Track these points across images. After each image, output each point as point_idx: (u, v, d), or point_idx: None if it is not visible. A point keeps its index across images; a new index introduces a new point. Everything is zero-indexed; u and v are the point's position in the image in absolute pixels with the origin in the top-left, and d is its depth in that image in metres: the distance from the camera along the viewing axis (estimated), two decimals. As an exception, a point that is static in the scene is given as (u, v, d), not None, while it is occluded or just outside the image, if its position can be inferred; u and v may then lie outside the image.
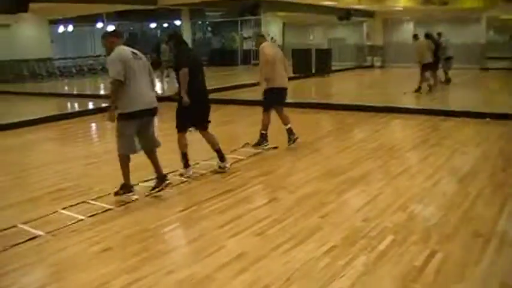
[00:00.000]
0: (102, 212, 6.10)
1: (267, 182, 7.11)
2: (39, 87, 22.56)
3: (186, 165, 7.45)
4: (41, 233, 5.57)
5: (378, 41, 30.44)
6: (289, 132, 9.08)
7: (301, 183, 6.89)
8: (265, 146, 8.99)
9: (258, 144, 9.01)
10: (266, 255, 4.71)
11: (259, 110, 9.10)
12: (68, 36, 32.80)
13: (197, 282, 4.27)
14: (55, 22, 29.34)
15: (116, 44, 6.29)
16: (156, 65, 21.11)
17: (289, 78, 9.47)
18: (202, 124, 7.54)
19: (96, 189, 7.03)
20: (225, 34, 33.98)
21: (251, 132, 9.47)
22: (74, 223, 5.81)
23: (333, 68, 24.27)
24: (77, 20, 30.29)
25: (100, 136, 12.84)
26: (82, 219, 5.90)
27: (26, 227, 5.73)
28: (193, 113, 7.32)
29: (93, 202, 6.49)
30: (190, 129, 7.52)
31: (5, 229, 5.72)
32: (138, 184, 6.87)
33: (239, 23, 32.19)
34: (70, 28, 31.96)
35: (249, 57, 31.09)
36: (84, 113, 15.15)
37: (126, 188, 6.49)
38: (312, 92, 19.72)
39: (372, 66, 29.44)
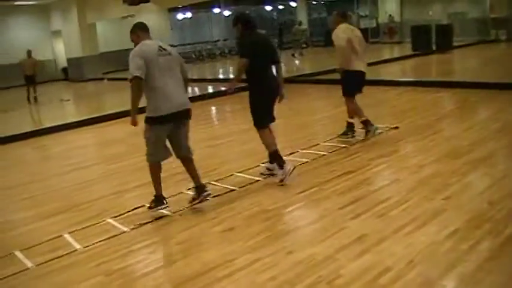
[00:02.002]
0: (225, 193, 6.31)
1: (387, 163, 6.99)
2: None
3: (281, 164, 6.54)
4: (168, 212, 5.86)
5: (503, 13, 28.73)
6: (350, 126, 8.51)
7: (423, 164, 6.72)
8: (351, 135, 8.43)
9: (344, 133, 8.49)
10: (387, 237, 4.66)
11: (377, 89, 8.95)
12: (186, 22, 33.76)
13: (317, 263, 4.31)
14: (174, 10, 30.31)
15: (142, 38, 5.69)
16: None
17: (410, 56, 9.21)
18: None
19: (219, 170, 7.27)
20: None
21: (370, 113, 9.32)
22: (198, 203, 6.04)
23: (454, 44, 23.30)
24: (194, 7, 31.11)
25: (221, 119, 13.21)
26: (206, 200, 6.12)
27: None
28: (268, 105, 6.65)
29: (216, 183, 6.71)
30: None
31: (135, 208, 6.09)
32: (258, 166, 7.00)
33: (355, 2, 31.68)
34: (188, 15, 32.85)
35: (367, 36, 30.53)
36: (205, 96, 15.60)
37: (158, 200, 5.89)
38: (432, 69, 19.07)
39: (496, 41, 27.89)
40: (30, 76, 18.17)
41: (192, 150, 6.01)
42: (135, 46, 5.64)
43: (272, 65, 6.66)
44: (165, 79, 5.57)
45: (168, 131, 5.72)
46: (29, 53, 18.12)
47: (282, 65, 7.17)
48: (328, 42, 28.18)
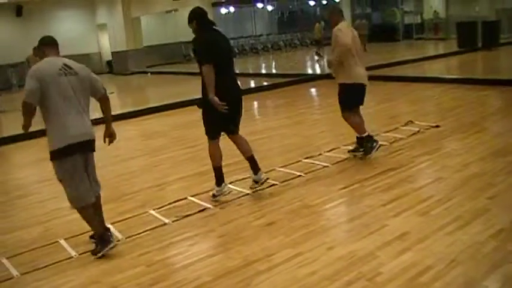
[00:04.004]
0: (266, 187, 6.33)
1: (430, 161, 6.90)
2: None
3: (219, 182, 6.07)
4: (209, 205, 5.93)
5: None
6: (367, 137, 7.15)
7: (467, 162, 6.62)
8: (360, 152, 7.23)
9: (353, 150, 7.35)
10: (429, 235, 4.61)
11: (421, 86, 8.80)
12: (229, 17, 33.88)
13: (358, 259, 4.30)
14: (217, 4, 30.45)
15: (48, 55, 4.90)
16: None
17: (455, 53, 9.00)
18: (233, 128, 6.11)
19: (261, 164, 7.27)
20: (385, 9, 33.18)
21: (412, 111, 9.24)
22: (239, 197, 6.10)
23: (502, 41, 22.80)
24: (237, 1, 31.20)
25: (263, 114, 13.24)
26: (247, 194, 6.17)
27: (195, 199, 6.15)
28: (230, 115, 5.84)
29: (257, 178, 6.74)
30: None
31: (176, 200, 6.18)
32: (299, 161, 6.99)
33: (400, -3, 31.24)
34: (231, 9, 32.96)
35: (411, 32, 30.14)
36: (248, 91, 15.65)
37: (103, 240, 4.91)
38: (477, 67, 18.72)
39: (546, 38, 27.15)
40: None
41: (100, 187, 5.19)
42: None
43: (233, 66, 6.11)
44: (65, 104, 4.72)
45: (80, 162, 4.87)
46: (34, 50, 17.78)
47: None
48: (372, 38, 28.02)
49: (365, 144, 7.07)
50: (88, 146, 4.92)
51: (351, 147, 7.40)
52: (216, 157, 6.03)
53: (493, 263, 4.03)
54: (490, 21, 23.57)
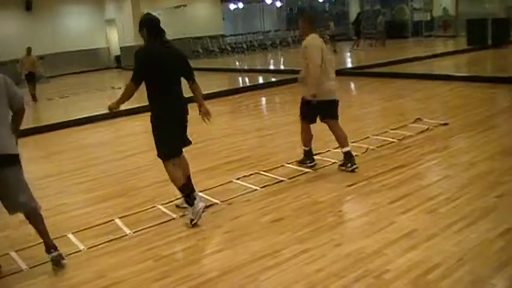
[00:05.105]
0: (274, 184, 6.34)
1: (439, 158, 6.88)
2: (212, 62, 23.66)
3: (191, 200, 5.36)
4: (217, 201, 5.94)
5: None
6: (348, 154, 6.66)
7: (476, 161, 6.60)
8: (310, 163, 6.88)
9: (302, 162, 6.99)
10: (437, 233, 4.61)
11: (429, 84, 8.76)
12: (238, 13, 33.87)
13: (365, 256, 4.31)
14: (226, 0, 30.47)
15: None
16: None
17: (464, 51, 8.92)
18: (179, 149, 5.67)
19: (268, 160, 7.31)
20: (394, 6, 33.05)
21: (421, 108, 9.21)
22: (247, 193, 6.11)
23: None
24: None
25: (271, 110, 13.25)
26: (255, 190, 6.18)
27: (203, 195, 6.13)
28: (174, 134, 5.52)
29: (265, 173, 6.76)
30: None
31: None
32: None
33: (409, -6, 31.07)
34: (240, 5, 32.94)
35: (420, 29, 30.00)
36: (255, 87, 15.67)
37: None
38: (487, 65, 18.62)
39: (556, 37, 26.92)
40: (30, 73, 17.34)
41: (36, 205, 4.68)
42: None
43: (177, 84, 5.44)
44: None
45: None
46: (28, 50, 17.24)
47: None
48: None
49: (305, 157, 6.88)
50: (3, 161, 4.39)
51: (358, 144, 7.37)
52: (177, 177, 5.45)
53: (500, 262, 4.03)
54: (500, 18, 23.44)
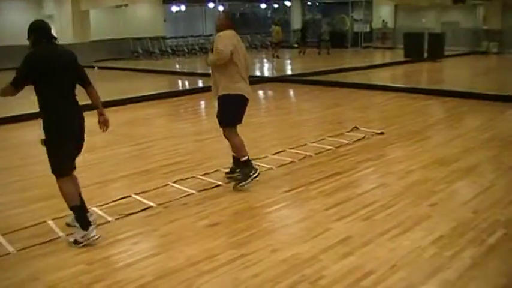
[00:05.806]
0: (211, 188, 6.28)
1: (375, 167, 7.00)
2: (152, 64, 23.45)
3: (85, 224, 4.88)
4: (152, 204, 5.83)
5: (495, 25, 28.75)
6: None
7: (410, 169, 6.75)
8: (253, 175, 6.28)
9: (230, 172, 6.70)
10: (372, 240, 4.67)
11: (367, 93, 8.93)
12: (180, 15, 33.67)
13: (301, 262, 4.31)
14: (168, 2, 30.24)
15: None
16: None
17: (401, 62, 9.16)
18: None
19: (206, 164, 7.25)
20: (335, 16, 33.60)
21: (358, 117, 9.37)
22: (183, 197, 6.03)
23: (446, 53, 23.42)
24: (189, 0, 31.10)
25: (209, 114, 13.14)
26: (192, 193, 6.11)
27: (139, 198, 6.03)
28: (68, 148, 5.02)
29: (202, 177, 6.69)
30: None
31: (120, 198, 6.05)
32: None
33: (350, 5, 31.63)
34: (182, 8, 32.76)
35: (360, 40, 30.59)
36: (195, 90, 15.55)
37: None
38: (423, 77, 19.16)
39: (487, 53, 27.93)
40: None
41: None
42: None
43: (72, 90, 5.08)
44: None
45: None
46: None
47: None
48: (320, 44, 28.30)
49: (242, 170, 6.39)
50: None
51: (296, 150, 7.41)
52: (72, 195, 4.97)
53: (433, 268, 4.12)
54: (436, 33, 24.20)
